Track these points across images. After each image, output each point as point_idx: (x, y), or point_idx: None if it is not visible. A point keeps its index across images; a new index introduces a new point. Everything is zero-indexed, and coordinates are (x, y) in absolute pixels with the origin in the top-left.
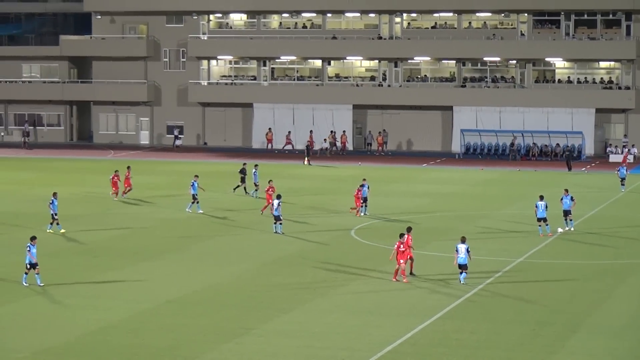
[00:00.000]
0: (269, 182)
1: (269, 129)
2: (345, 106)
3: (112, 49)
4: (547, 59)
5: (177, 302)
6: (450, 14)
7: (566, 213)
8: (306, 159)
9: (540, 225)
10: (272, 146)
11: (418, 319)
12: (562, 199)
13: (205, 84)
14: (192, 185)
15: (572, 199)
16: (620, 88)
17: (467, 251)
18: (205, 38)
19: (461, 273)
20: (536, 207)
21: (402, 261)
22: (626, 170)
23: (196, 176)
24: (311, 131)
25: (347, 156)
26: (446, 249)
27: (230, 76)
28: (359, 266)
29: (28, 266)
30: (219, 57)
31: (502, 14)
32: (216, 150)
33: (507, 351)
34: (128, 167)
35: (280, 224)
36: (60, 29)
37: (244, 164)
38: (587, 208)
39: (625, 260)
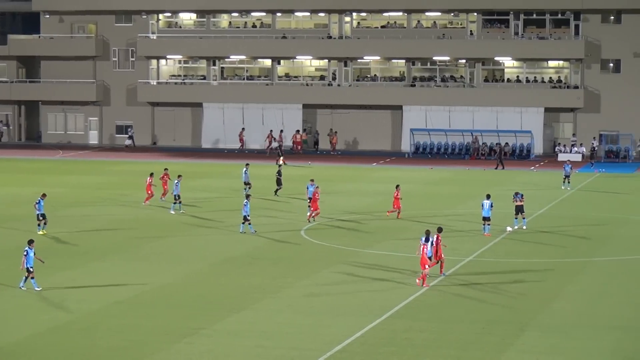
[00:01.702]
0: (316, 188)
1: (242, 129)
2: (295, 105)
3: (61, 49)
4: (496, 59)
5: (127, 303)
6: (400, 14)
7: (519, 210)
8: (280, 158)
9: (484, 225)
10: (243, 146)
11: (368, 319)
12: (513, 197)
13: (155, 83)
14: (175, 186)
15: (522, 197)
16: (568, 87)
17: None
18: (155, 37)
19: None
20: (482, 205)
21: (427, 266)
22: (571, 169)
23: (179, 176)
24: (282, 130)
25: (297, 156)
26: (396, 248)
27: (179, 75)
28: (309, 266)
29: (30, 269)
30: (168, 56)
31: (452, 14)
32: (166, 149)
33: (457, 350)
34: (165, 169)
35: (250, 223)
36: (8, 29)
37: (279, 165)
38: (536, 206)
39: (574, 258)
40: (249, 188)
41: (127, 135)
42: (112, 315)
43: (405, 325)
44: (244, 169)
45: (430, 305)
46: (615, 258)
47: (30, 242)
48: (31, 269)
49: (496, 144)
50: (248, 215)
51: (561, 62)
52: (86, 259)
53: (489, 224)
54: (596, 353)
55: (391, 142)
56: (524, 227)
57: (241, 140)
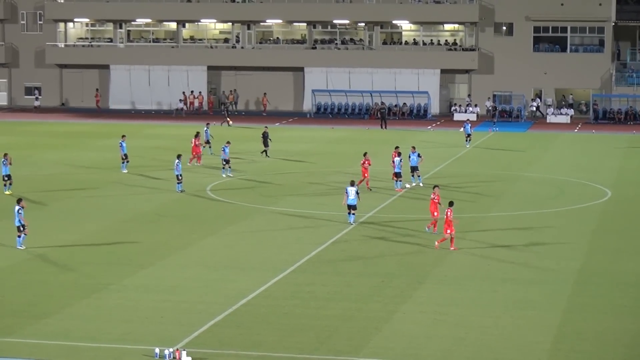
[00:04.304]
0: (364, 155)
1: (96, 89)
2: (200, 67)
3: None
4: (394, 22)
5: (37, 259)
6: None
7: (413, 169)
8: (228, 120)
9: (396, 180)
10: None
11: (272, 273)
12: (409, 156)
13: (63, 46)
14: (120, 146)
15: (419, 155)
16: (464, 50)
17: (357, 193)
18: (62, 1)
19: (350, 213)
20: (393, 162)
21: (449, 231)
22: (471, 128)
23: (123, 136)
24: (231, 91)
25: (205, 116)
26: (298, 205)
27: (87, 38)
28: (215, 223)
29: (21, 228)
30: (75, 19)
31: None
32: (74, 110)
33: (357, 302)
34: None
35: (179, 182)
36: None
37: (265, 127)
38: (433, 164)
39: (468, 214)
40: (210, 147)
41: (36, 97)
42: (21, 272)
43: (308, 279)
44: (205, 129)
45: (331, 260)
46: (507, 213)
47: (19, 200)
48: (22, 228)
49: (381, 103)
50: (180, 175)
51: (456, 26)
52: None
53: (400, 180)
54: (490, 303)
55: (293, 103)
56: (420, 184)
57: (97, 101)
